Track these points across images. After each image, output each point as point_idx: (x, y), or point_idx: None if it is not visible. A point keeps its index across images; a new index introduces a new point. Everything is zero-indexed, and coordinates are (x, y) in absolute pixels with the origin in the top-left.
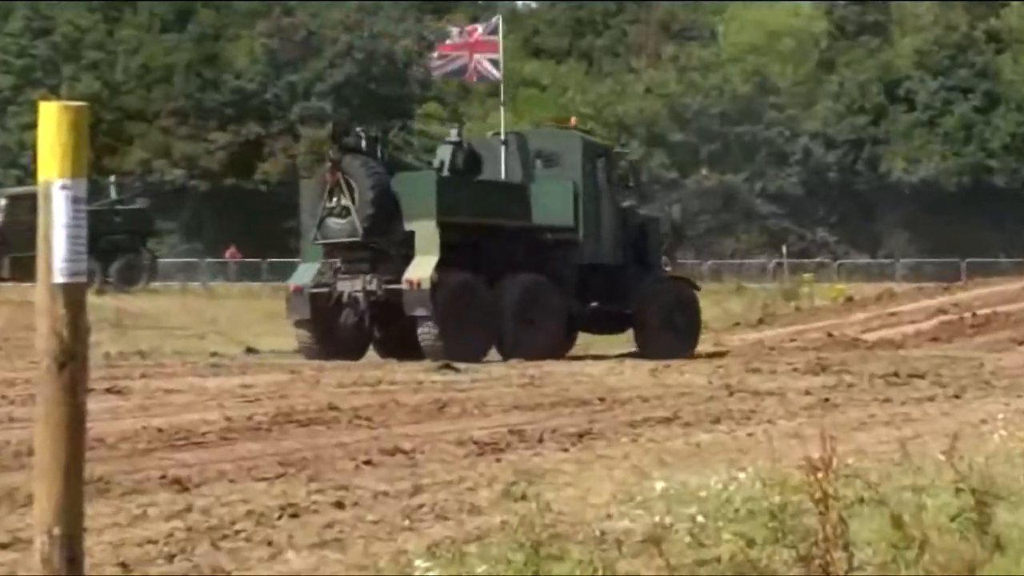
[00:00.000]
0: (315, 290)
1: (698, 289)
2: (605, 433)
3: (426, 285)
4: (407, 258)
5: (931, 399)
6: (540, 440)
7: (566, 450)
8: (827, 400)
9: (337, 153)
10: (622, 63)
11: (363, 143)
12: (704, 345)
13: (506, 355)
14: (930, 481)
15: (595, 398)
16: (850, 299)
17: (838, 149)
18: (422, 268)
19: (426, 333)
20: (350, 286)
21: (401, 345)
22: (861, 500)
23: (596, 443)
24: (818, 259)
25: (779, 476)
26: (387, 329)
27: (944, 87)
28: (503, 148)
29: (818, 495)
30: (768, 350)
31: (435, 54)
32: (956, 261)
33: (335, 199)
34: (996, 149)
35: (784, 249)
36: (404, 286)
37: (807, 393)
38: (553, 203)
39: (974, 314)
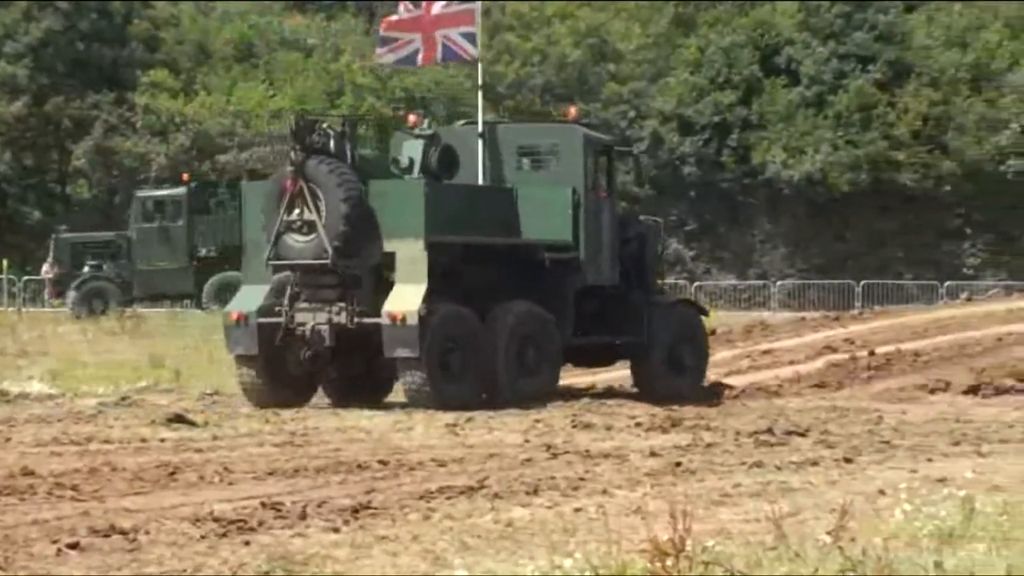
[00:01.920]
0: (264, 320)
1: (706, 315)
2: (388, 507)
3: (412, 320)
4: (383, 284)
5: (815, 464)
6: (303, 516)
7: (337, 529)
8: (679, 464)
9: (300, 156)
10: None
11: (331, 143)
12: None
13: (500, 401)
14: (812, 570)
15: (375, 461)
16: (712, 332)
17: (696, 135)
18: (407, 300)
19: (411, 378)
20: (313, 318)
21: (359, 385)
22: None
23: (376, 520)
24: (669, 280)
25: (617, 564)
26: (345, 367)
27: (836, 55)
28: (480, 143)
29: None
30: (604, 400)
31: (380, 34)
32: (849, 283)
33: (296, 211)
34: (903, 137)
35: None
36: (384, 320)
37: (653, 455)
38: (548, 214)
39: (872, 353)
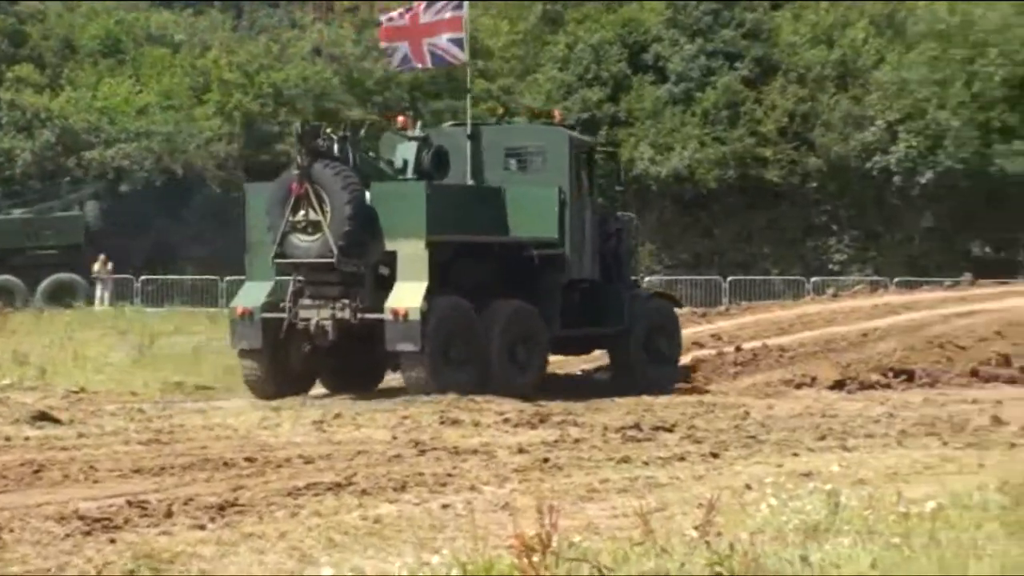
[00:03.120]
0: (268, 315)
1: (680, 306)
2: (255, 504)
3: (415, 316)
4: (383, 281)
5: (682, 459)
6: (168, 514)
7: (203, 527)
8: (546, 460)
9: (306, 159)
10: (282, 15)
11: (335, 147)
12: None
13: (494, 392)
14: (679, 565)
15: (242, 458)
16: None
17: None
18: (409, 297)
19: (412, 371)
20: (317, 314)
21: (354, 376)
22: None
23: (243, 518)
24: None
25: (484, 560)
26: (342, 358)
27: (704, 52)
28: (468, 143)
29: None
30: (471, 396)
31: (382, 44)
32: (716, 280)
33: (302, 212)
34: (770, 133)
35: None
36: (387, 316)
37: (521, 451)
38: (535, 213)
39: (738, 348)
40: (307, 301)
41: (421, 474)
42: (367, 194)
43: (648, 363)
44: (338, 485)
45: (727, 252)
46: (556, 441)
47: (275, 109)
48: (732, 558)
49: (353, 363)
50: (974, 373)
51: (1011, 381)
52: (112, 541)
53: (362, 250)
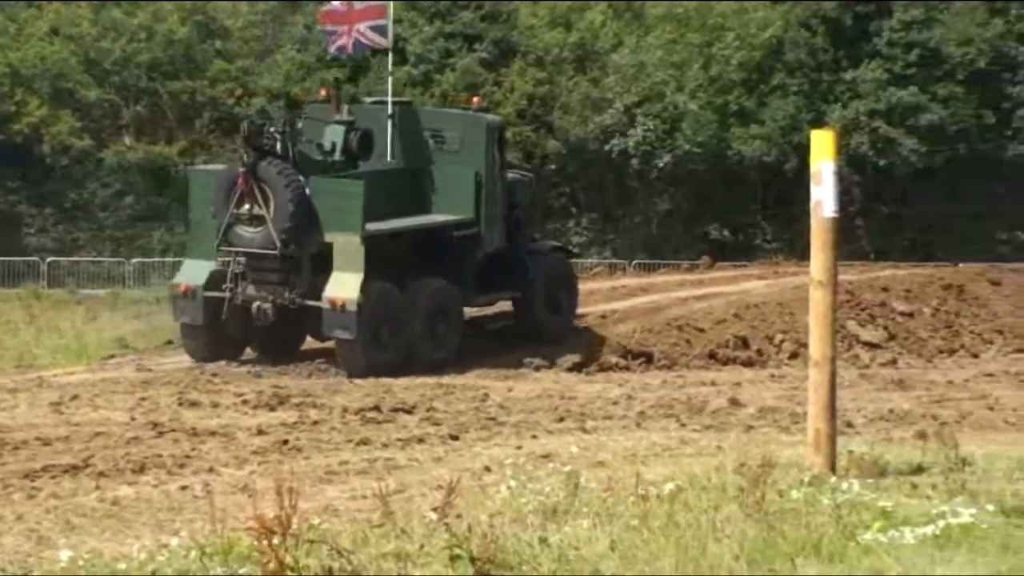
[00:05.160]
0: (210, 294)
1: (573, 256)
2: None
3: (352, 308)
4: (320, 267)
5: (421, 441)
6: None
7: None
8: (286, 442)
9: (251, 158)
10: None
11: (278, 145)
12: (126, 368)
13: (420, 364)
14: (418, 547)
15: None
16: None
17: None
18: (346, 288)
19: (347, 352)
20: (258, 296)
21: (278, 342)
22: (330, 572)
23: None
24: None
25: (222, 542)
26: (271, 328)
27: (442, 34)
28: (390, 123)
29: (272, 566)
30: (211, 377)
31: (320, 26)
32: None
33: (246, 206)
34: (509, 116)
35: None
36: (324, 305)
37: (260, 433)
38: (455, 194)
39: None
40: (249, 286)
41: (160, 456)
42: (306, 189)
43: (549, 315)
44: (75, 467)
45: None
46: (295, 423)
47: (11, 89)
48: (471, 540)
49: (280, 332)
50: (712, 355)
51: (748, 363)
52: None
53: (301, 241)
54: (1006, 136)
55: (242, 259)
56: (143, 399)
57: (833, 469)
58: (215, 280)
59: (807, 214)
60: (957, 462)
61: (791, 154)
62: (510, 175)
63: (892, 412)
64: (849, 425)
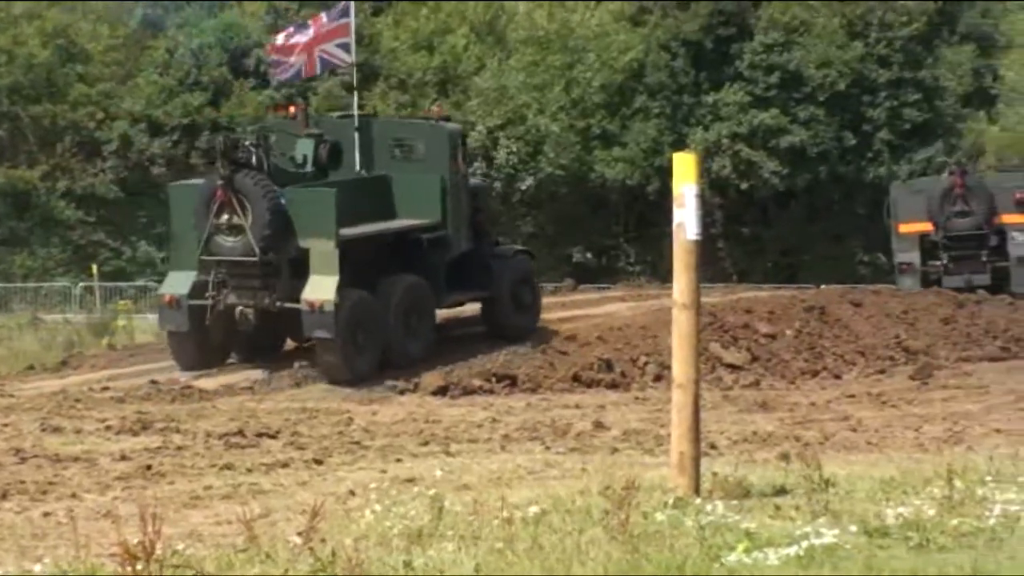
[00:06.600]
0: (194, 302)
1: (534, 258)
2: None
3: (329, 308)
4: (298, 271)
5: (285, 465)
6: None
7: None
8: (149, 467)
9: (228, 170)
10: None
11: (253, 158)
12: None
13: (397, 360)
14: (283, 572)
15: None
16: None
17: (166, 137)
18: (322, 289)
19: (327, 354)
20: (240, 303)
21: (262, 346)
22: None
23: None
24: (140, 282)
25: (86, 568)
26: (253, 333)
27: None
28: (356, 135)
29: None
30: (73, 402)
31: (270, 57)
32: None
33: (225, 216)
34: None
35: (95, 269)
36: (303, 307)
37: (124, 458)
38: (421, 200)
39: None
40: (230, 293)
41: (22, 482)
42: (282, 199)
43: (514, 314)
44: None
45: None
46: (159, 448)
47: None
48: (335, 564)
49: (261, 337)
50: (576, 378)
51: (613, 386)
52: None
53: (279, 248)
54: (867, 158)
55: (223, 267)
56: (5, 425)
57: (697, 491)
58: (198, 289)
59: (670, 236)
60: (820, 483)
61: (653, 177)
62: (472, 181)
63: (755, 434)
64: (713, 447)
